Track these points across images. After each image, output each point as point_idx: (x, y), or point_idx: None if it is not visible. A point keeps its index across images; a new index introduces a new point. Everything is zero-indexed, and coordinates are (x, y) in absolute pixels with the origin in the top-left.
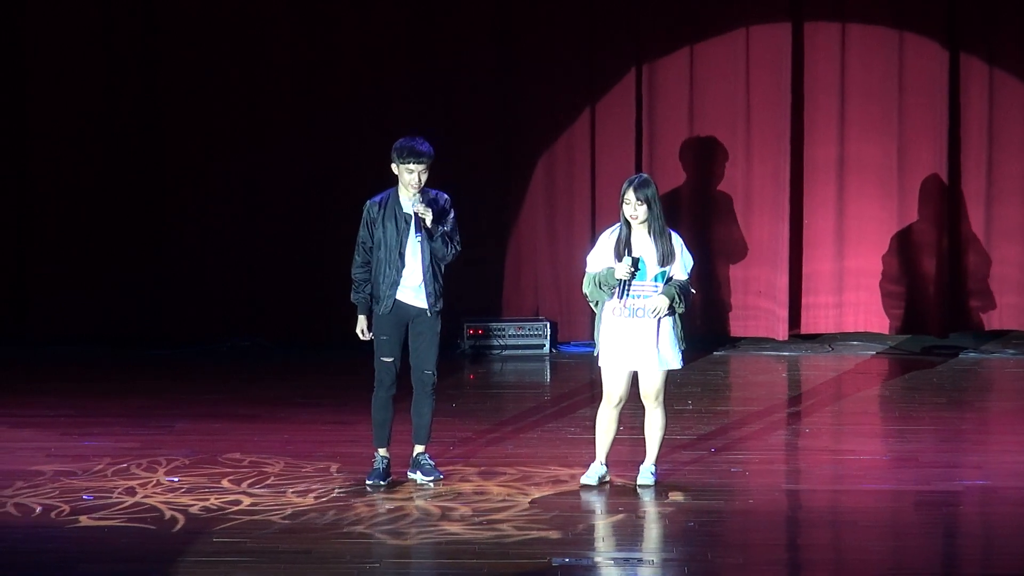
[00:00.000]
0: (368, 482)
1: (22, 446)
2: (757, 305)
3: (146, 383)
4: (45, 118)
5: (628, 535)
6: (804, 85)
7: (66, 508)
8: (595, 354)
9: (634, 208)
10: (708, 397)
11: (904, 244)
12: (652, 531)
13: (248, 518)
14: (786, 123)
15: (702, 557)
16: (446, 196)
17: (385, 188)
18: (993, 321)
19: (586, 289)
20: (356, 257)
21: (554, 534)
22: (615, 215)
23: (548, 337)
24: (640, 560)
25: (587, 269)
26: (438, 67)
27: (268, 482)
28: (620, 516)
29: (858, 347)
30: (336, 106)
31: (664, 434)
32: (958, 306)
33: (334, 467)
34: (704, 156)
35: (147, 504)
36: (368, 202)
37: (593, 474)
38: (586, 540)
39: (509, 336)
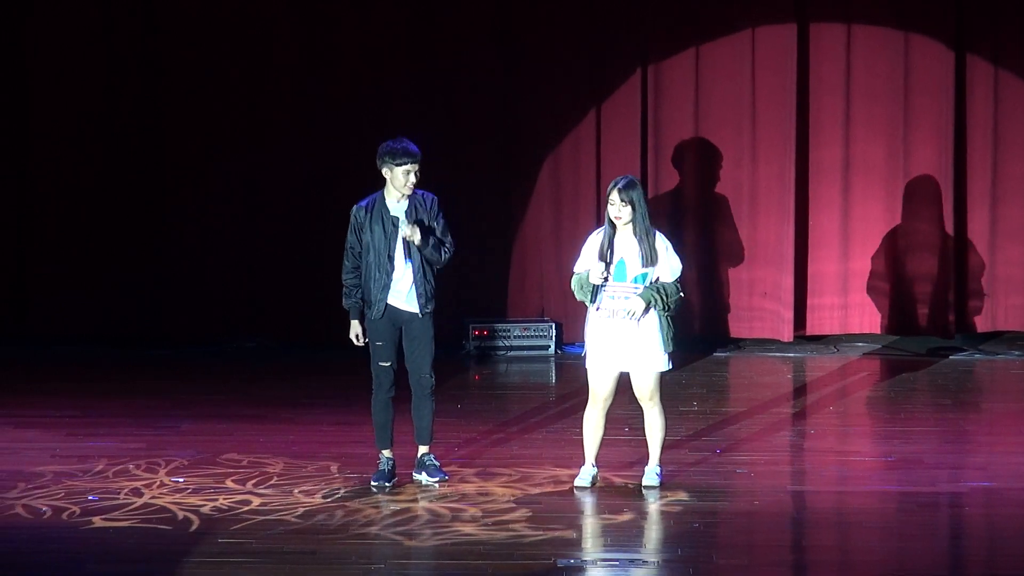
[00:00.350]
0: (373, 483)
1: (28, 447)
2: (762, 306)
3: (150, 384)
4: (45, 118)
5: (633, 536)
6: (809, 86)
7: (76, 509)
8: (582, 354)
9: (619, 209)
10: (713, 398)
11: (909, 245)
12: (657, 532)
13: (261, 518)
14: (791, 124)
15: (707, 558)
16: (433, 196)
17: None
18: (998, 322)
19: (574, 289)
20: (346, 262)
21: (559, 535)
22: None
23: (553, 338)
24: (645, 561)
25: (575, 270)
26: (439, 67)
27: (273, 482)
28: (625, 517)
29: (863, 348)
30: (336, 106)
31: (664, 434)
32: (963, 307)
33: (338, 467)
34: (709, 157)
35: (156, 505)
36: (355, 207)
37: (586, 475)
38: (591, 541)
39: (514, 337)
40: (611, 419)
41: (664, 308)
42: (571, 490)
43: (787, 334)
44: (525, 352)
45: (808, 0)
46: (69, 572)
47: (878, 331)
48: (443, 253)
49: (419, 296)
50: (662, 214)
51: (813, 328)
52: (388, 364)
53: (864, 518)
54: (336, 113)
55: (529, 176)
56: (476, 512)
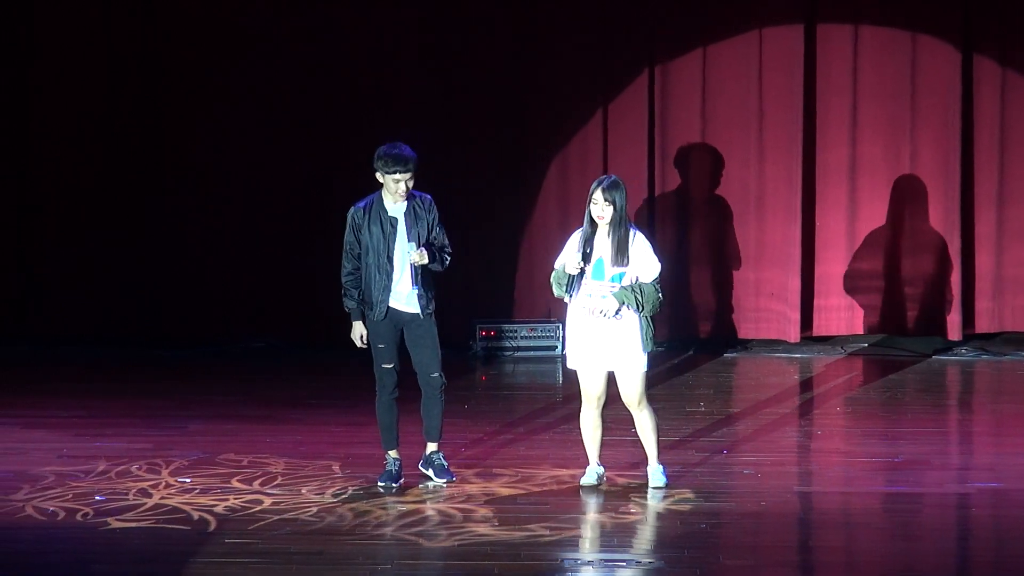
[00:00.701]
0: (380, 484)
1: (35, 447)
2: (769, 307)
3: (153, 384)
4: (45, 118)
5: (639, 536)
6: (816, 87)
7: (87, 510)
8: (563, 355)
9: (601, 208)
10: (720, 399)
11: (916, 246)
12: (663, 532)
13: (276, 517)
14: (798, 125)
15: (713, 559)
16: (428, 197)
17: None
18: (1005, 323)
19: (552, 284)
20: (345, 264)
21: (565, 535)
22: None
23: (560, 339)
24: (651, 561)
25: (554, 266)
26: (444, 66)
27: (279, 482)
28: (632, 517)
29: (870, 349)
30: (337, 106)
31: (658, 433)
32: (970, 308)
33: (342, 467)
34: (716, 158)
35: (168, 505)
36: (352, 208)
37: (592, 474)
38: (597, 541)
39: (521, 338)
40: (613, 419)
41: (639, 308)
42: (577, 490)
43: (794, 335)
44: (532, 353)
45: (815, 1)
46: (72, 571)
47: (885, 332)
48: (445, 261)
49: (420, 298)
50: (668, 214)
51: (820, 329)
52: (391, 366)
53: (871, 519)
54: (336, 113)
55: (536, 176)
56: (487, 512)
